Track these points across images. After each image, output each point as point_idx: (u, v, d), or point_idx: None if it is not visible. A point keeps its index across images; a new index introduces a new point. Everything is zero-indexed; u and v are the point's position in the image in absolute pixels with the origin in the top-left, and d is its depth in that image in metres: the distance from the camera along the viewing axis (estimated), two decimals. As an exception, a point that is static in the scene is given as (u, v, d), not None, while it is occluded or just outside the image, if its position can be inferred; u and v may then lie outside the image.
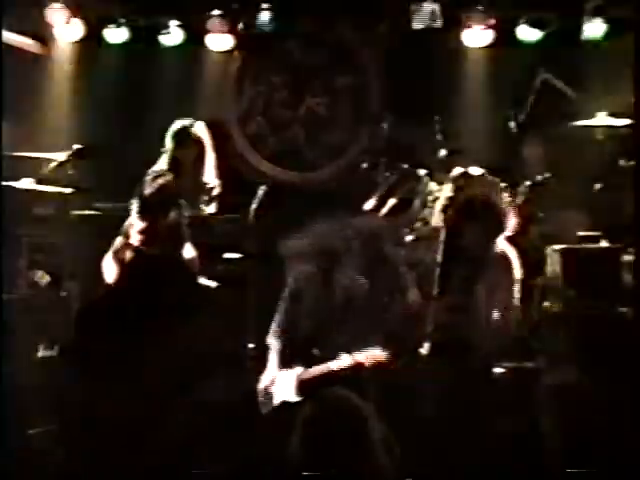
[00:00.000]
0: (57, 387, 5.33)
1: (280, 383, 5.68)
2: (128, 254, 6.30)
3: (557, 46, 8.65)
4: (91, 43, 9.25)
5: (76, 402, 3.08)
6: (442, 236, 5.98)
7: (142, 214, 6.47)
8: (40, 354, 6.73)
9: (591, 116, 7.56)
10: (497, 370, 6.54)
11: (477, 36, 8.86)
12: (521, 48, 8.76)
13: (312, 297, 5.77)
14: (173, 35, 9.13)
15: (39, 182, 7.68)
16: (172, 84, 9.22)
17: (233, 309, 6.80)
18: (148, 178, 6.52)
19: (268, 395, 5.73)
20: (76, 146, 7.90)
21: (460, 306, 5.87)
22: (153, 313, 3.27)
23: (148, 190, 6.50)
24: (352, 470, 2.92)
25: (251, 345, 6.61)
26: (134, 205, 6.50)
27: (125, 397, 2.72)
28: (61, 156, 7.84)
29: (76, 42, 9.28)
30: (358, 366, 5.56)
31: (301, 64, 9.44)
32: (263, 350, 6.27)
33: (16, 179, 7.59)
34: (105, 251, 6.69)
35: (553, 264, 7.26)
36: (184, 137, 6.56)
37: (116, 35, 9.14)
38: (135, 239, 6.37)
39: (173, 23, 9.08)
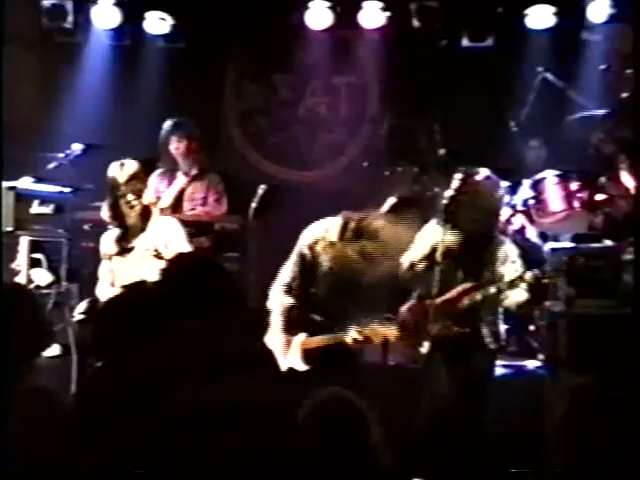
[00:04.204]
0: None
1: (284, 350, 5.71)
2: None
3: (557, 45, 8.66)
4: (90, 43, 9.26)
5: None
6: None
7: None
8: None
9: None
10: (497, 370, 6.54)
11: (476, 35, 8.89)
12: (520, 47, 8.76)
13: (324, 266, 5.82)
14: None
15: (39, 182, 7.67)
16: (172, 83, 9.22)
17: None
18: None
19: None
20: (76, 146, 7.91)
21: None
22: (155, 315, 3.26)
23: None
24: (352, 471, 2.92)
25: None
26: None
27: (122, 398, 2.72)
28: (61, 156, 7.86)
29: (76, 41, 9.30)
30: (366, 341, 5.59)
31: (301, 64, 9.44)
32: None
33: (16, 179, 7.59)
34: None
35: (553, 264, 7.26)
36: None
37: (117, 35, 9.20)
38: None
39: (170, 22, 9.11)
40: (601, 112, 7.53)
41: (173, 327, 3.09)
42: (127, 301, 3.44)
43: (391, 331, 5.64)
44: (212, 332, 3.08)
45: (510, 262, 5.77)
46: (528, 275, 5.66)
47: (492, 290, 5.70)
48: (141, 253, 6.21)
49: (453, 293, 5.78)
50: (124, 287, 4.19)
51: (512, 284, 5.65)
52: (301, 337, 5.71)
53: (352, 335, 5.58)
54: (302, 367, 5.68)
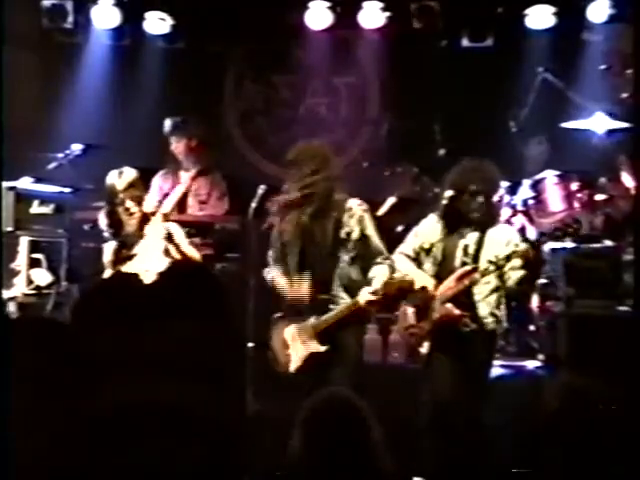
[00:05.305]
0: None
1: (297, 337, 5.70)
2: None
3: (557, 45, 8.65)
4: (90, 43, 9.27)
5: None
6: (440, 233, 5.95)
7: None
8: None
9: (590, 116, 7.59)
10: (497, 370, 6.55)
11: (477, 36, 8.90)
12: (520, 47, 8.76)
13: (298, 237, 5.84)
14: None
15: (39, 182, 7.68)
16: (172, 83, 9.23)
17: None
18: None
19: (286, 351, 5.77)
20: (76, 146, 7.91)
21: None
22: (151, 314, 3.27)
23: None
24: (352, 472, 2.92)
25: (251, 345, 6.60)
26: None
27: (120, 395, 2.71)
28: (61, 156, 7.86)
29: (76, 41, 9.31)
30: (383, 299, 5.59)
31: (301, 64, 9.44)
32: (263, 350, 6.27)
33: (16, 179, 7.59)
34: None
35: (553, 263, 7.27)
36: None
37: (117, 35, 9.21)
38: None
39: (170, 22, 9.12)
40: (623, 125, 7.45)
41: (149, 326, 3.11)
42: (115, 287, 3.45)
43: (408, 279, 5.66)
44: (184, 340, 3.09)
45: (513, 245, 5.74)
46: (522, 246, 5.69)
47: (491, 268, 5.69)
48: (157, 234, 6.29)
49: (451, 279, 5.76)
50: (118, 274, 4.21)
51: (508, 258, 5.66)
52: (311, 321, 5.69)
53: (366, 298, 5.56)
54: (322, 348, 5.66)
